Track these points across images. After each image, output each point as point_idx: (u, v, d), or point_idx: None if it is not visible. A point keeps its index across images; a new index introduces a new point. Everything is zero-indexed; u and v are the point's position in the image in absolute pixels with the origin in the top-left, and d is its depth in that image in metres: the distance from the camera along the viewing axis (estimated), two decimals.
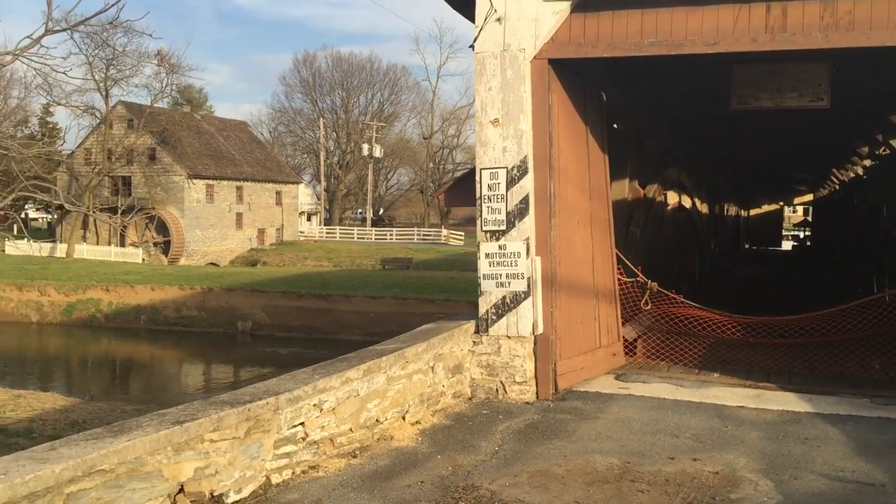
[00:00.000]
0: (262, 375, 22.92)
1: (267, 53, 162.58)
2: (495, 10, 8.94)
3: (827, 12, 8.39)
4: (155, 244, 57.76)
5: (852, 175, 26.63)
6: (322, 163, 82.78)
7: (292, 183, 71.55)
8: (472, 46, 9.19)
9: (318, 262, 56.16)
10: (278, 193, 68.04)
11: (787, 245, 56.26)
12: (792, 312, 12.07)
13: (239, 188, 63.58)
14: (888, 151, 18.44)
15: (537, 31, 8.94)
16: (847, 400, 9.34)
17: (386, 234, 71.87)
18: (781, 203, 55.67)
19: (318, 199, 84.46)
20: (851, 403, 9.19)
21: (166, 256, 56.66)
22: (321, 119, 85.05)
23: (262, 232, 65.64)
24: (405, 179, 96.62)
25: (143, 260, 54.21)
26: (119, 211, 56.74)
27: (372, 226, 77.74)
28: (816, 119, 15.78)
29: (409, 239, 69.89)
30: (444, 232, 69.75)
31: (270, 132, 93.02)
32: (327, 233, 74.97)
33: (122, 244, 57.40)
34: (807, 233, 54.77)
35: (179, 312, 34.69)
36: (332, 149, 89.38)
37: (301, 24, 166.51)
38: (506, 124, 9.01)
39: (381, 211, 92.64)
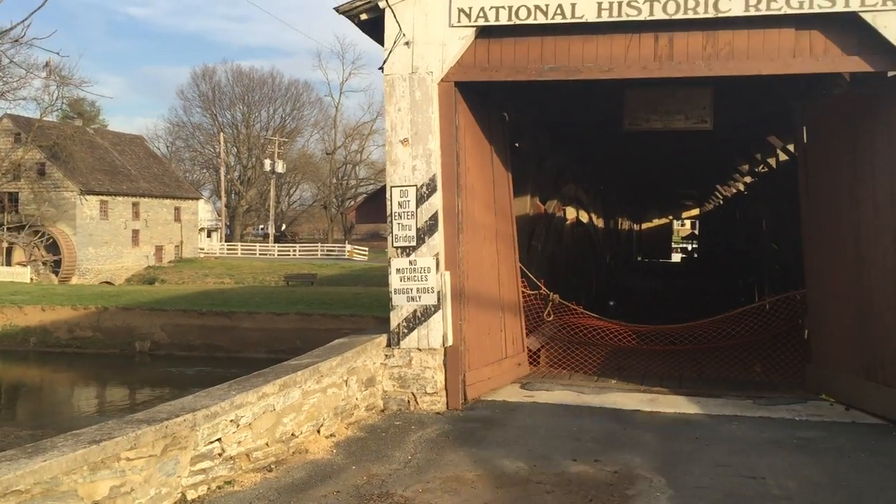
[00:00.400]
0: (161, 397, 22.34)
1: (163, 66, 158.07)
2: (404, 35, 9.28)
3: (709, 43, 9.12)
4: (44, 263, 55.13)
5: (735, 191, 28.31)
6: (222, 178, 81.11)
7: (191, 199, 69.76)
8: (381, 68, 9.49)
9: (220, 279, 54.91)
10: (177, 209, 66.22)
11: (676, 257, 58.83)
12: (682, 321, 12.86)
13: (135, 204, 61.54)
14: (766, 169, 19.80)
15: (444, 55, 9.33)
16: (732, 402, 10.07)
17: (289, 251, 70.99)
18: (671, 217, 58.36)
19: (219, 215, 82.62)
20: (736, 405, 9.91)
21: (57, 276, 54.20)
22: (221, 134, 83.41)
23: (160, 249, 63.68)
24: (308, 195, 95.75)
25: (32, 279, 51.62)
26: (4, 228, 53.95)
27: (274, 242, 76.62)
28: (702, 139, 16.81)
29: (313, 255, 69.28)
30: (348, 247, 69.54)
31: (168, 147, 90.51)
32: (228, 249, 73.42)
33: (9, 263, 54.55)
34: (694, 245, 57.38)
35: (72, 333, 33.26)
36: (232, 164, 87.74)
37: (199, 37, 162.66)
38: (415, 144, 9.34)
39: (283, 227, 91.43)
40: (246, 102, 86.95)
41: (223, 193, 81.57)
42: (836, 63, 9.00)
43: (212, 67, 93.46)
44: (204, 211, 76.80)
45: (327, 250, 70.38)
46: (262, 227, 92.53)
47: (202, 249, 70.72)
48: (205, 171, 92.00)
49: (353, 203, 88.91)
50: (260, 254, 70.40)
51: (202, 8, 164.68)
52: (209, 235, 79.38)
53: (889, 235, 9.10)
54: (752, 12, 8.78)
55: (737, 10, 8.80)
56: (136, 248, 61.17)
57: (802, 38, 8.93)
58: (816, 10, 8.67)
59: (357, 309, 32.01)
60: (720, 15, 8.85)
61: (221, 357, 30.20)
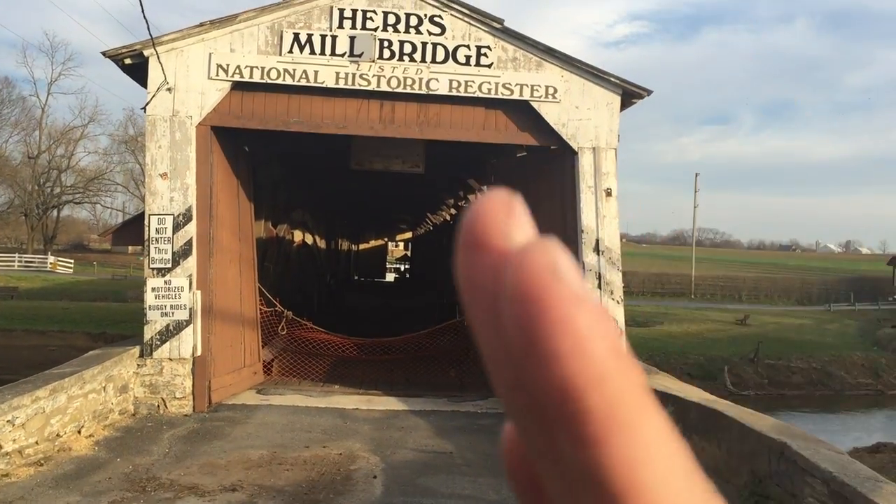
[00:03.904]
0: None
1: None
2: (167, 82, 10.51)
3: (422, 112, 11.48)
4: None
5: (442, 219, 31.89)
6: None
7: None
8: (144, 108, 10.60)
9: None
10: None
11: (390, 277, 62.58)
12: (393, 334, 15.18)
13: None
14: (467, 204, 23.16)
15: (203, 102, 10.71)
16: (431, 400, 12.47)
17: None
18: (386, 239, 62.15)
19: None
20: (434, 402, 12.32)
21: None
22: None
23: None
24: (3, 200, 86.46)
25: None
26: None
27: None
28: (417, 176, 19.52)
29: (9, 266, 63.15)
30: (52, 259, 64.35)
31: None
32: None
33: None
34: (407, 266, 61.39)
35: None
36: None
37: None
38: (174, 178, 10.58)
39: None
40: None
41: None
42: (514, 137, 11.81)
43: None
44: None
45: (26, 261, 64.50)
46: None
47: None
48: None
49: (57, 211, 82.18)
50: None
51: None
52: None
53: None
54: (454, 93, 11.29)
55: (443, 90, 11.25)
56: None
57: (490, 116, 11.63)
58: (500, 96, 11.38)
59: (66, 325, 30.73)
60: (430, 92, 11.25)
61: None
